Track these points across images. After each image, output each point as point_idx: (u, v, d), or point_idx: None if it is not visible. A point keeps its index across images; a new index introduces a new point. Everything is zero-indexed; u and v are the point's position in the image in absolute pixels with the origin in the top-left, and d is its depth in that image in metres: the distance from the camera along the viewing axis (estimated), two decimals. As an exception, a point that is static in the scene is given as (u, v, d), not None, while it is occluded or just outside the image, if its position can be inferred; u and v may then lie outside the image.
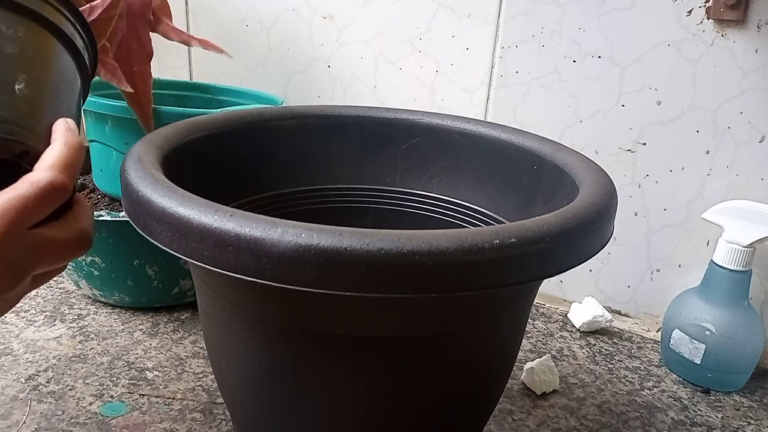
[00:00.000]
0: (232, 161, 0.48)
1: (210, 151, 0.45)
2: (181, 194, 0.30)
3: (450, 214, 0.51)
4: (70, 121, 0.31)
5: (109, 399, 0.51)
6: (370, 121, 0.52)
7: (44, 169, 0.28)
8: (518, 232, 0.28)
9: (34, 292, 0.67)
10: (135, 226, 0.33)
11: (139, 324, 0.62)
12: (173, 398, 0.52)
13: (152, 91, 0.59)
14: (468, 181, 0.50)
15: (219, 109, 0.64)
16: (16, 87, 0.30)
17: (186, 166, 0.40)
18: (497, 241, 0.27)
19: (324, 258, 0.26)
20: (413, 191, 0.52)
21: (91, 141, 0.67)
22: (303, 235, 0.26)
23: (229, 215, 0.28)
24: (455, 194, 0.51)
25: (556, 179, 0.42)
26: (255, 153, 0.49)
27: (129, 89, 0.55)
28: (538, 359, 0.57)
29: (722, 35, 0.58)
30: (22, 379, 0.53)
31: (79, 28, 0.35)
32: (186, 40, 0.63)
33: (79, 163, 0.30)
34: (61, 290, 0.68)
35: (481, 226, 0.47)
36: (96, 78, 0.72)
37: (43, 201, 0.28)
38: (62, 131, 0.30)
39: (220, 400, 0.52)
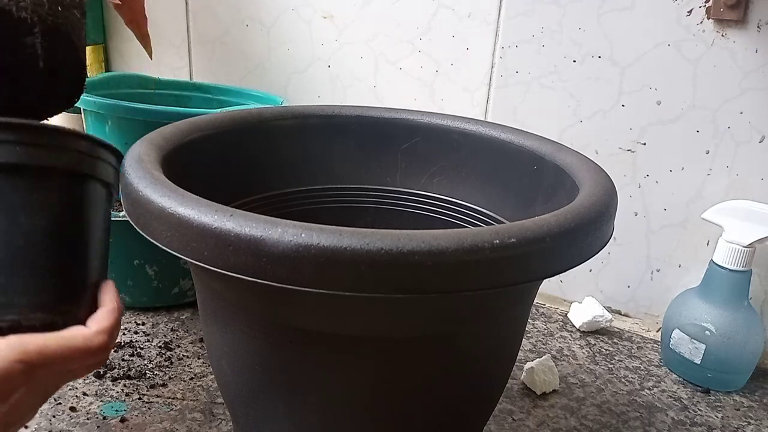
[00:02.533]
0: (232, 161, 0.48)
1: (210, 151, 0.45)
2: (181, 194, 0.30)
3: (450, 214, 0.51)
4: (113, 286, 0.33)
5: (109, 399, 0.51)
6: (370, 121, 0.52)
7: (98, 333, 0.30)
8: (518, 232, 0.28)
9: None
10: (135, 226, 0.33)
11: (139, 324, 0.63)
12: (173, 398, 0.52)
13: (153, 91, 0.59)
14: (468, 180, 0.50)
15: (219, 109, 0.64)
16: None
17: (186, 166, 0.40)
18: (497, 241, 0.27)
19: (324, 258, 0.26)
20: (413, 191, 0.52)
21: (91, 141, 0.67)
22: (303, 234, 0.26)
23: (229, 215, 0.28)
24: (455, 194, 0.51)
25: (556, 179, 0.42)
26: (255, 153, 0.49)
27: (117, 1, 0.57)
28: (538, 359, 0.57)
29: (722, 35, 0.58)
30: (22, 379, 0.53)
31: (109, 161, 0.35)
32: (136, 23, 0.64)
33: (119, 324, 0.32)
34: (61, 290, 0.68)
35: (481, 226, 0.47)
36: (96, 77, 0.72)
37: (86, 357, 0.30)
38: (111, 296, 0.32)
39: (220, 400, 0.52)
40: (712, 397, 0.57)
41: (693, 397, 0.57)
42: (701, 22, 0.58)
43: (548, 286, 0.73)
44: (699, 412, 0.55)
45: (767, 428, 0.53)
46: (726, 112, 0.59)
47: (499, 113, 0.70)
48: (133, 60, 0.93)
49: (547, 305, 0.72)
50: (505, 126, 0.49)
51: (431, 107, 0.73)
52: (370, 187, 0.53)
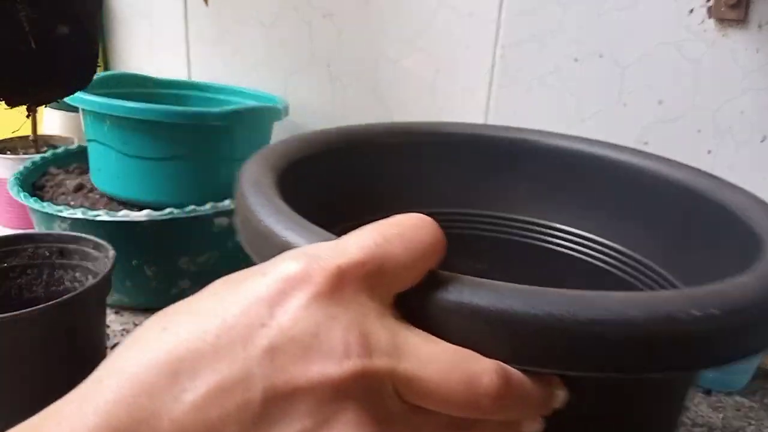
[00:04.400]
0: (341, 180, 0.44)
1: (321, 170, 0.42)
2: (305, 226, 0.27)
3: (581, 250, 0.45)
4: None
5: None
6: (486, 141, 0.47)
7: None
8: (719, 300, 0.23)
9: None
10: (253, 257, 0.30)
11: (138, 325, 0.62)
12: (172, 399, 0.51)
13: (151, 90, 0.59)
14: (602, 213, 0.44)
15: (218, 109, 0.64)
16: None
17: (299, 185, 0.37)
18: (696, 311, 0.22)
19: (477, 319, 0.21)
20: (535, 221, 0.46)
21: (90, 141, 0.67)
22: (451, 288, 0.22)
23: None
24: (587, 227, 0.45)
25: (720, 221, 0.36)
26: (365, 172, 0.46)
27: None
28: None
29: (723, 35, 0.58)
30: (20, 380, 0.52)
31: None
32: None
33: None
34: (60, 290, 0.68)
35: (624, 268, 0.41)
36: (95, 77, 0.72)
37: None
38: None
39: (220, 401, 0.51)
40: (713, 398, 0.57)
41: (694, 398, 0.57)
42: (702, 22, 0.58)
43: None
44: (700, 413, 0.55)
45: (769, 429, 0.53)
46: (727, 112, 0.59)
47: (500, 113, 0.70)
48: (132, 59, 0.93)
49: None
50: (649, 153, 0.43)
51: (431, 106, 0.73)
52: (485, 213, 0.47)
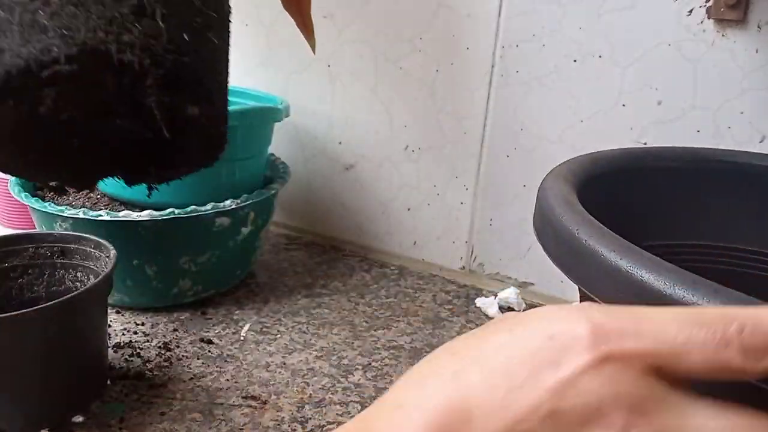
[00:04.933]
0: (622, 204, 0.43)
1: (607, 191, 0.41)
2: (644, 257, 0.27)
3: None
4: None
5: (109, 399, 0.51)
6: None
7: None
8: None
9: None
10: (570, 275, 0.30)
11: (139, 324, 0.62)
12: (173, 398, 0.52)
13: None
14: None
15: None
16: None
17: (591, 204, 0.36)
18: None
19: None
20: None
21: (90, 141, 0.67)
22: None
23: (713, 290, 0.23)
24: None
25: None
26: (647, 197, 0.44)
27: None
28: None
29: (723, 35, 0.58)
30: (22, 380, 0.53)
31: None
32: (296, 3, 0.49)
33: None
34: (61, 290, 0.68)
35: None
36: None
37: None
38: None
39: (220, 400, 0.52)
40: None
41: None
42: (701, 22, 0.58)
43: (548, 286, 0.73)
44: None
45: None
46: (726, 112, 0.59)
47: (499, 113, 0.70)
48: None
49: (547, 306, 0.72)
50: None
51: (431, 107, 0.73)
52: None
